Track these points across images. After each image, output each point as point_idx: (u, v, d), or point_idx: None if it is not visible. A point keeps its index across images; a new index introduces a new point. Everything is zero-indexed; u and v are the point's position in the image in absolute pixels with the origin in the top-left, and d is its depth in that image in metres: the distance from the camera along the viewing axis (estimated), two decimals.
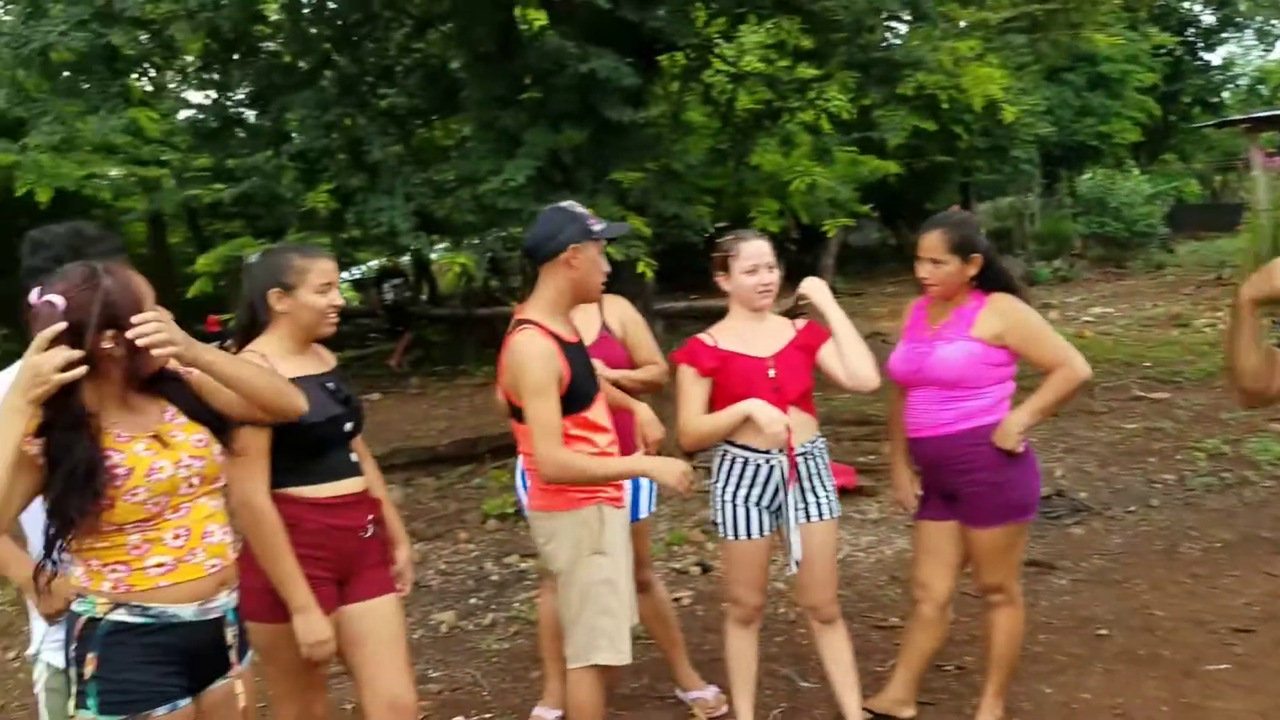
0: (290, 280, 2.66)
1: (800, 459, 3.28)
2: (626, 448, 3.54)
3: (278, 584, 2.52)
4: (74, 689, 2.06)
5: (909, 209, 21.82)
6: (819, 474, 3.34)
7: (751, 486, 3.29)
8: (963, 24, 9.27)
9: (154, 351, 2.03)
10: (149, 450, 2.09)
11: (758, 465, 3.27)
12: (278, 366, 2.57)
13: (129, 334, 2.01)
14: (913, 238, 20.09)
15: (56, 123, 5.95)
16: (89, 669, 2.04)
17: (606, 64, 5.14)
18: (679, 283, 17.23)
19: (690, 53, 6.44)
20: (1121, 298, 15.82)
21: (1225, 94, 28.93)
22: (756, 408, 3.15)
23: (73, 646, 2.06)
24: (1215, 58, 28.14)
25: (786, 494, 3.27)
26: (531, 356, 2.82)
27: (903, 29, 8.14)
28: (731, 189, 8.56)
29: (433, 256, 14.77)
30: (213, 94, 6.69)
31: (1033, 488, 3.33)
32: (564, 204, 3.04)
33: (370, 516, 2.77)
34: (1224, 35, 27.51)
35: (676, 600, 4.81)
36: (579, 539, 2.95)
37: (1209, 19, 26.40)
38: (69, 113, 5.90)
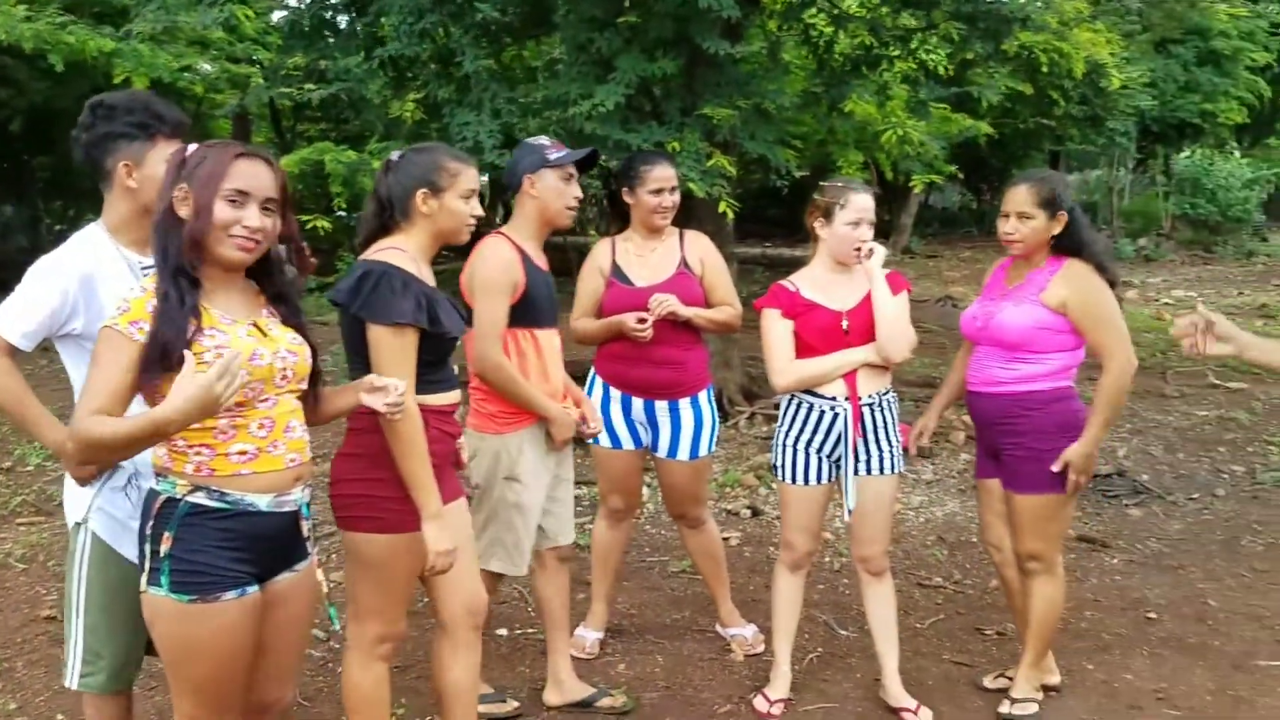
0: (442, 182, 2.61)
1: (866, 409, 3.26)
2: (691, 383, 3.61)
3: (414, 488, 2.48)
4: (147, 565, 2.10)
5: (993, 173, 21.29)
6: (885, 427, 3.32)
7: (815, 433, 3.30)
8: None
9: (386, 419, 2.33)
10: (250, 336, 2.14)
11: (822, 411, 3.28)
12: (421, 271, 2.57)
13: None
14: (995, 203, 19.62)
15: (161, 11, 6.00)
16: (164, 547, 2.08)
17: None
18: (753, 229, 17.11)
19: None
20: (1206, 283, 15.36)
21: None
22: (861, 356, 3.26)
23: (149, 524, 2.10)
24: None
25: (847, 443, 3.26)
26: (491, 258, 3.10)
27: None
28: (818, 136, 8.40)
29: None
30: None
31: None
32: (530, 139, 3.30)
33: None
34: None
35: (725, 540, 4.84)
36: (497, 462, 3.17)
37: None
38: (173, 2, 5.95)
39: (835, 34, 6.53)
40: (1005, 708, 3.37)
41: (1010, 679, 3.49)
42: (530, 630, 4.07)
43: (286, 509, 2.19)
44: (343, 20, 6.91)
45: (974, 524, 5.26)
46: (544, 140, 3.28)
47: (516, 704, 3.43)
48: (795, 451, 3.34)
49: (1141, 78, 16.88)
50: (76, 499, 2.46)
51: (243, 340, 2.11)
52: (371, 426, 2.48)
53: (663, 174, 3.59)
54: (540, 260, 3.24)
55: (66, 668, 2.48)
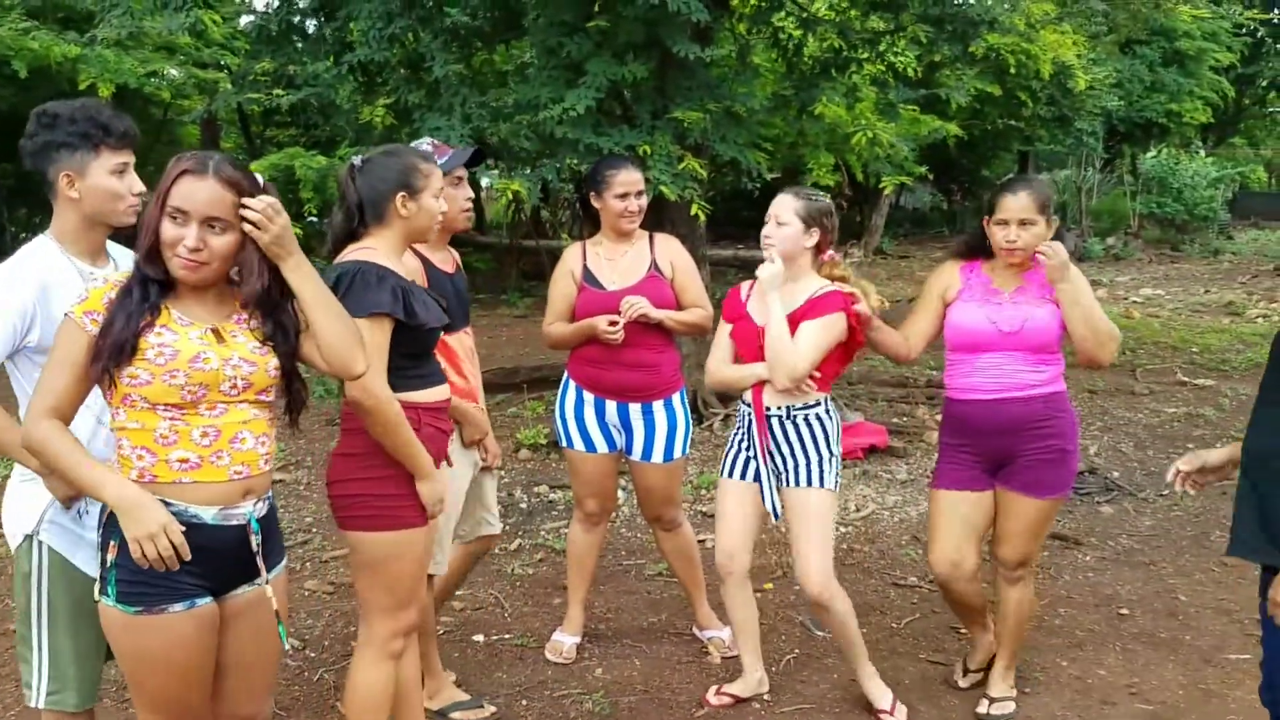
0: (418, 183, 2.64)
1: (775, 420, 3.23)
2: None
3: (404, 457, 2.53)
4: (98, 574, 2.10)
5: (963, 174, 21.47)
6: (800, 440, 3.23)
7: (740, 434, 3.39)
8: None
9: (249, 229, 2.09)
10: (202, 340, 2.11)
11: (741, 415, 3.39)
12: (396, 268, 2.58)
13: (241, 210, 2.09)
14: (965, 203, 19.70)
15: (126, 17, 5.94)
16: (110, 555, 2.06)
17: None
18: (727, 231, 17.14)
19: None
20: (1174, 281, 15.54)
21: None
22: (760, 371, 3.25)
23: (98, 532, 2.09)
24: None
25: (754, 450, 3.30)
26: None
27: None
28: (789, 138, 8.44)
29: (484, 183, 14.75)
30: (276, 0, 6.66)
31: (1073, 466, 3.34)
32: (414, 143, 3.17)
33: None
34: None
35: (701, 542, 4.84)
36: None
37: None
38: (138, 8, 5.89)
39: (804, 37, 6.56)
40: (984, 707, 3.39)
41: (977, 672, 3.55)
42: (506, 636, 4.05)
43: (234, 522, 2.14)
44: (311, 25, 6.87)
45: None
46: (427, 145, 3.12)
47: (494, 709, 3.42)
48: (729, 448, 3.42)
49: (1108, 78, 17.09)
50: (23, 511, 2.39)
51: (191, 343, 2.08)
52: (361, 427, 2.52)
53: (628, 178, 3.59)
54: (445, 264, 3.19)
55: (31, 688, 2.41)
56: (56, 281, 2.34)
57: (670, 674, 3.72)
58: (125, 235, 2.46)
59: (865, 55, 6.42)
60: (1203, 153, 22.25)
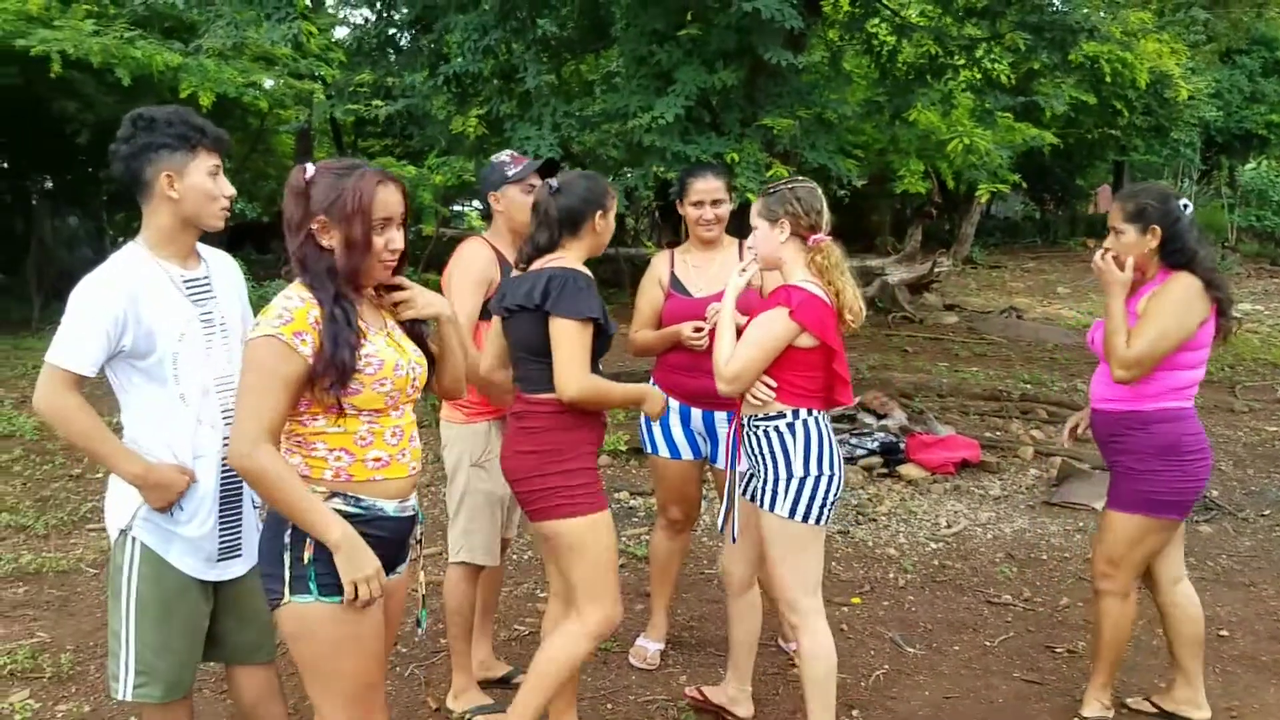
0: (609, 204, 2.91)
1: (746, 429, 3.03)
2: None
3: (609, 405, 2.97)
4: (287, 575, 2.12)
5: (1057, 183, 21.01)
6: (757, 454, 2.99)
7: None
8: None
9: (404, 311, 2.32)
10: (389, 347, 2.22)
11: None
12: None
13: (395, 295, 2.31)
14: (1059, 212, 19.35)
15: (230, 27, 6.14)
16: (307, 554, 2.11)
17: (771, 3, 5.03)
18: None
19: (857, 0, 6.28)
20: (1273, 296, 14.98)
21: None
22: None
23: (287, 534, 2.12)
24: None
25: (728, 456, 3.17)
26: (470, 258, 3.29)
27: None
28: (879, 145, 8.36)
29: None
30: (371, 14, 6.83)
31: (1182, 489, 3.14)
32: (495, 156, 3.48)
33: None
34: None
35: None
36: (466, 449, 3.33)
37: None
38: (242, 18, 6.08)
39: (898, 43, 6.50)
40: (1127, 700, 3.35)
41: (1154, 705, 3.42)
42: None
43: (407, 514, 2.28)
44: (405, 38, 7.03)
45: (1044, 541, 5.17)
46: (504, 157, 3.44)
47: None
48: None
49: (1206, 88, 16.61)
50: (120, 506, 2.44)
51: (386, 351, 2.19)
52: (549, 425, 2.77)
53: (705, 186, 3.59)
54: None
55: (118, 680, 2.46)
56: (147, 288, 2.38)
57: (757, 686, 3.68)
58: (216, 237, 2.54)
59: (961, 62, 6.33)
60: None
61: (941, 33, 6.21)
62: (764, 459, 2.94)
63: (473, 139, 6.30)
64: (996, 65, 6.48)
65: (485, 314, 3.27)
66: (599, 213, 2.87)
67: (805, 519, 2.89)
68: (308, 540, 2.11)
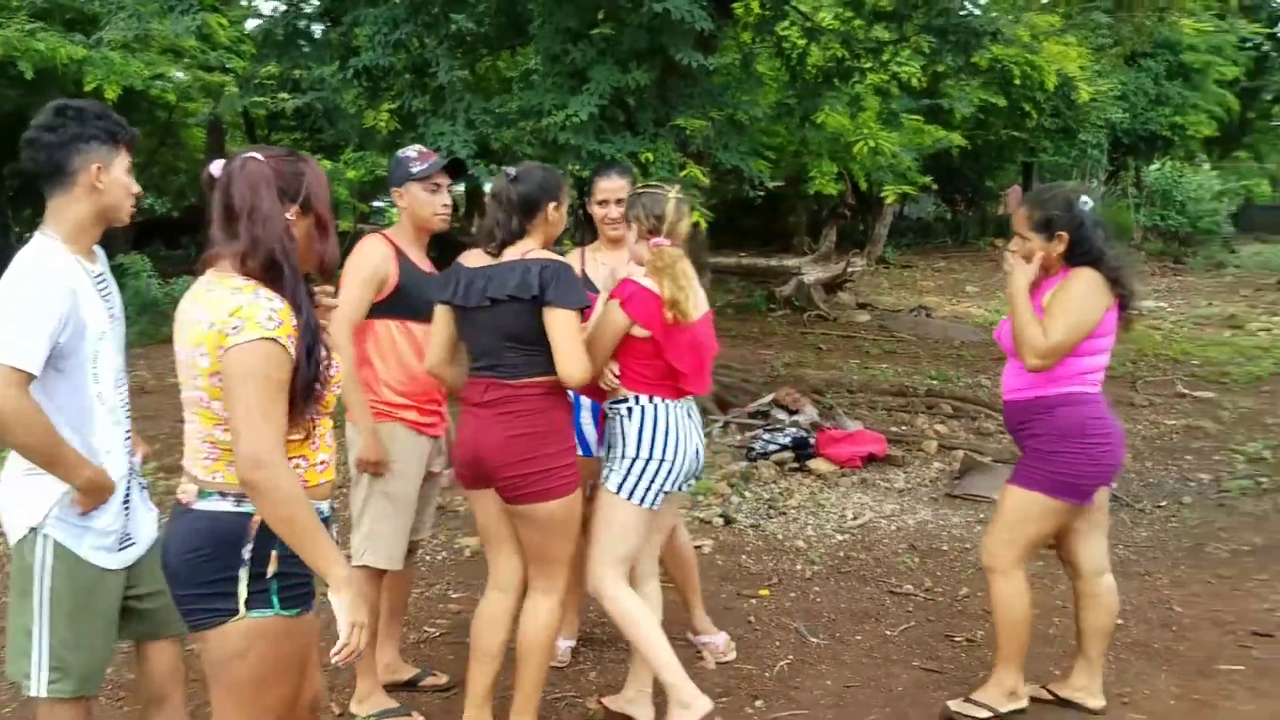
0: (562, 196, 3.00)
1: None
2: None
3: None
4: (245, 591, 1.99)
5: (967, 184, 21.51)
6: (611, 438, 3.19)
7: None
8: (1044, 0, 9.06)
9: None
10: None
11: None
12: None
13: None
14: (970, 214, 19.89)
15: (132, 19, 5.98)
16: (272, 567, 2.00)
17: (681, 4, 5.08)
18: (729, 239, 17.19)
19: (767, 2, 6.34)
20: (1176, 294, 15.56)
21: None
22: None
23: (248, 548, 1.99)
24: None
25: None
26: (365, 253, 3.27)
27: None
28: (792, 147, 8.48)
29: (486, 188, 14.78)
30: (283, 4, 6.70)
31: (1084, 472, 3.23)
32: (401, 151, 3.43)
33: None
34: None
35: (697, 548, 4.87)
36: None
37: None
38: (145, 10, 5.93)
39: (808, 46, 6.60)
40: (955, 704, 3.41)
41: (1050, 692, 3.51)
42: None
43: (324, 515, 2.16)
44: (317, 30, 6.92)
45: (945, 532, 5.30)
46: (410, 153, 3.38)
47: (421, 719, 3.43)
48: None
49: (1112, 91, 17.15)
50: (26, 505, 2.40)
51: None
52: (539, 408, 2.87)
53: (609, 185, 3.62)
54: (421, 262, 3.37)
55: (30, 678, 2.43)
56: (79, 284, 2.35)
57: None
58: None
59: (869, 65, 6.46)
60: (1207, 166, 22.26)
61: (849, 36, 6.32)
62: (611, 441, 3.17)
63: (385, 134, 6.23)
64: (904, 68, 6.62)
65: (392, 310, 3.26)
66: (553, 203, 2.95)
67: (629, 497, 3.09)
68: (272, 553, 2.00)
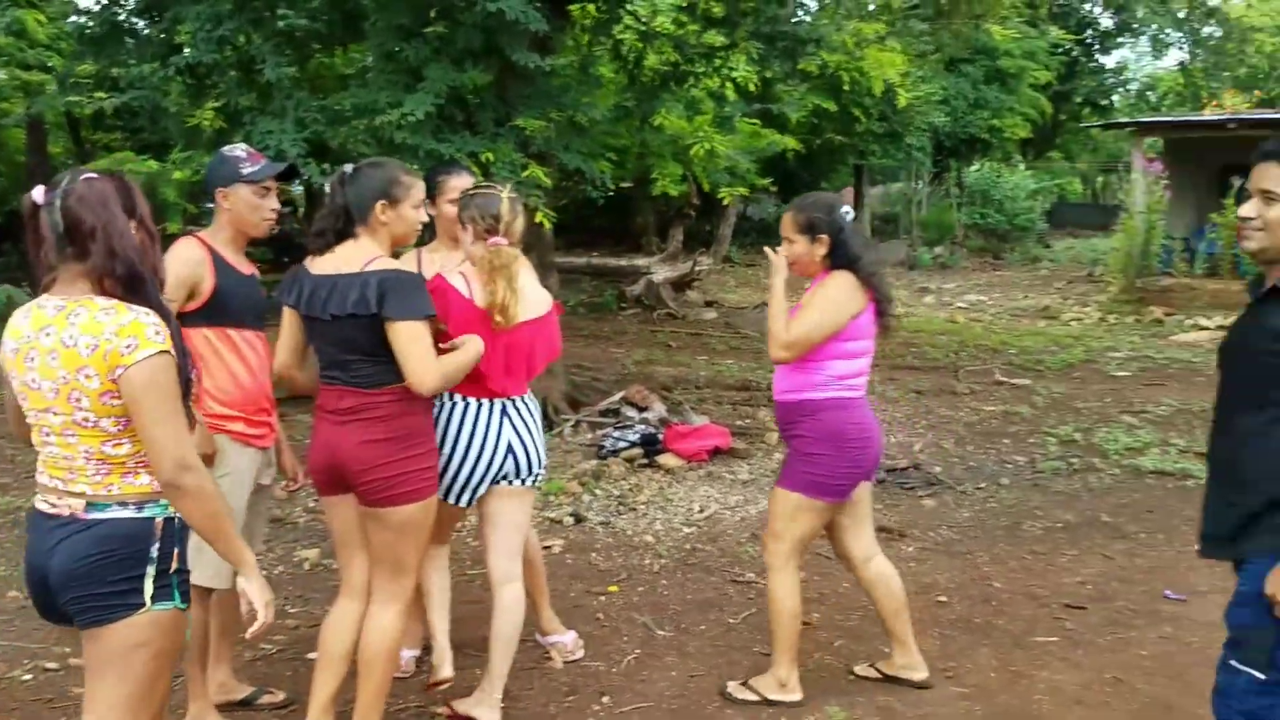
0: (398, 194, 2.91)
1: None
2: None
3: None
4: (151, 588, 2.12)
5: (804, 186, 22.20)
6: None
7: None
8: (870, 6, 9.45)
9: None
10: None
11: None
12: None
13: None
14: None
15: None
16: (174, 564, 2.16)
17: (515, 4, 5.08)
18: (579, 238, 17.24)
19: (602, 4, 6.41)
20: (996, 287, 16.48)
21: (1115, 97, 30.09)
22: None
23: (155, 546, 2.12)
24: (1110, 61, 29.25)
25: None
26: (174, 258, 3.06)
27: (813, 5, 8.29)
28: (636, 149, 8.59)
29: (326, 188, 14.33)
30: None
31: (842, 473, 3.38)
32: (227, 147, 3.27)
33: None
34: (1120, 40, 28.56)
35: (547, 549, 4.89)
36: None
37: (1107, 22, 27.39)
38: None
39: (644, 50, 6.69)
40: (733, 685, 3.56)
41: (878, 670, 3.68)
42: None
43: None
44: (139, 25, 6.61)
45: None
46: (239, 152, 3.22)
47: None
48: None
49: (934, 95, 18.02)
50: None
51: None
52: (396, 412, 2.85)
53: (460, 183, 3.58)
54: (240, 265, 3.24)
55: None
56: None
57: (511, 681, 3.71)
58: None
59: (702, 69, 6.60)
60: (1022, 166, 23.64)
61: (682, 41, 6.45)
62: None
63: (210, 133, 6.00)
64: (740, 73, 6.80)
65: (209, 318, 3.11)
66: (382, 202, 2.90)
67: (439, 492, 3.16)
68: (175, 550, 2.16)
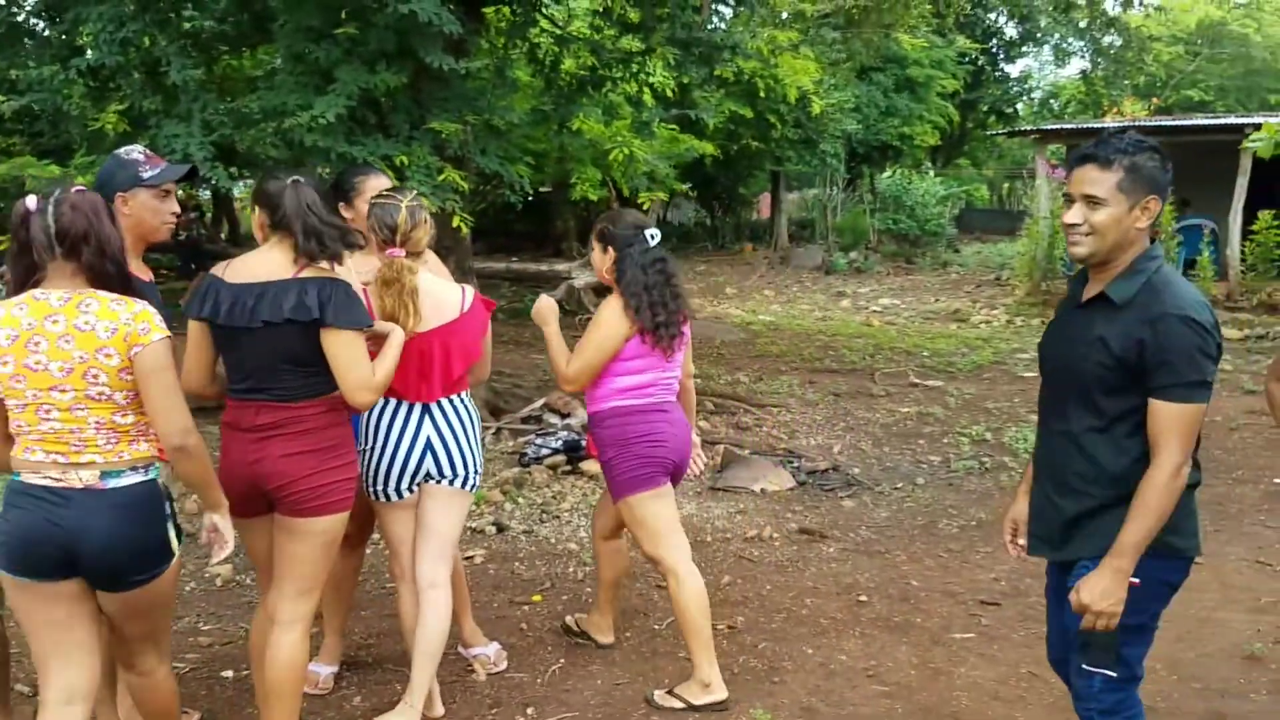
0: (263, 203, 2.89)
1: None
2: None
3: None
4: (173, 537, 2.54)
5: (723, 191, 22.42)
6: None
7: None
8: (784, 15, 9.57)
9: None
10: None
11: None
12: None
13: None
14: (727, 219, 20.62)
15: None
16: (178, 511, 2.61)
17: (428, 6, 5.01)
18: (500, 243, 17.10)
19: (517, 8, 6.36)
20: (908, 291, 16.81)
21: (1020, 105, 30.93)
22: None
23: (166, 504, 2.54)
24: (1014, 70, 30.08)
25: None
26: None
27: (729, 13, 8.34)
28: (554, 153, 8.55)
29: (235, 193, 14.01)
30: None
31: (636, 466, 3.48)
32: (123, 150, 3.13)
33: None
34: (1024, 49, 29.38)
35: (469, 559, 4.83)
36: None
37: (1011, 32, 28.15)
38: None
39: (560, 54, 6.67)
40: (659, 694, 3.56)
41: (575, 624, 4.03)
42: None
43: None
44: (40, 25, 6.36)
45: (709, 524, 5.50)
46: (136, 155, 3.08)
47: None
48: None
49: (847, 103, 18.33)
50: None
51: None
52: (318, 425, 2.83)
53: (379, 185, 3.50)
54: (140, 271, 3.08)
55: None
56: None
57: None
58: None
59: (619, 74, 6.60)
60: (932, 173, 24.18)
61: (599, 46, 6.44)
62: None
63: (114, 137, 5.78)
64: (654, 78, 6.82)
65: None
66: (255, 210, 2.92)
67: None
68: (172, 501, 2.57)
